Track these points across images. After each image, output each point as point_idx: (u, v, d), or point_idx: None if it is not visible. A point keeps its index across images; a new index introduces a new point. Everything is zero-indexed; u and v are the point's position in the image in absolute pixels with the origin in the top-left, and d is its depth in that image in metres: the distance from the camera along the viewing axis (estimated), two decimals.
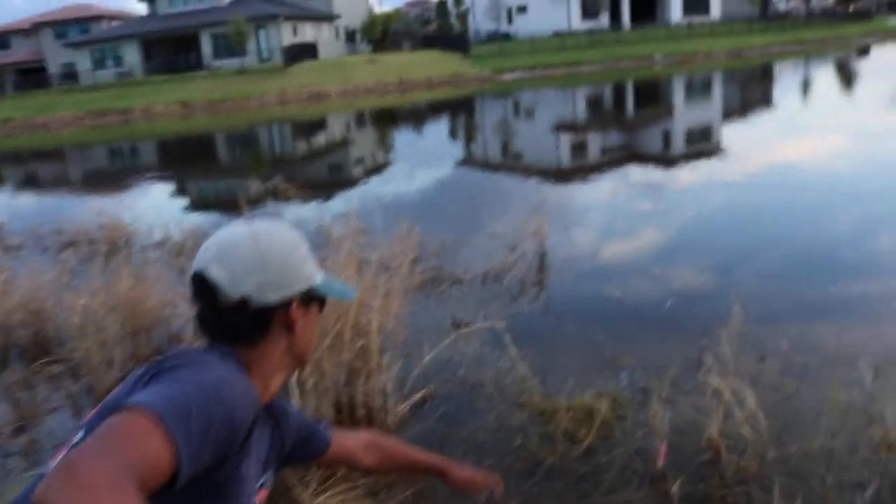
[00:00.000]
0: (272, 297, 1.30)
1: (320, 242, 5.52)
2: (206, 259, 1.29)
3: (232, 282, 1.27)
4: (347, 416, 4.15)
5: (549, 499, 3.36)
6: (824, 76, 30.63)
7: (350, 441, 1.78)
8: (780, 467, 3.38)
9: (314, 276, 1.39)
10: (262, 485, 1.38)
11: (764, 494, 3.20)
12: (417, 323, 5.21)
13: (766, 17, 62.95)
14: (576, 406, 3.90)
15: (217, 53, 50.26)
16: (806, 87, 26.31)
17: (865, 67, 33.41)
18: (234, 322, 1.29)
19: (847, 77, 28.70)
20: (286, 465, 1.63)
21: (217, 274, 1.28)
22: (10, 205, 14.92)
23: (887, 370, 4.22)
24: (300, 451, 1.62)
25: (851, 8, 66.76)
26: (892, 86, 22.59)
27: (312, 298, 1.39)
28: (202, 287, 1.29)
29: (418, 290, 6.10)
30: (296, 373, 3.93)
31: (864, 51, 42.12)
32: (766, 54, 44.69)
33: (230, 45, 47.53)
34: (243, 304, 1.27)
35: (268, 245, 1.31)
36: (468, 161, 15.57)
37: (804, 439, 3.56)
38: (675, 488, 3.25)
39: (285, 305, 1.33)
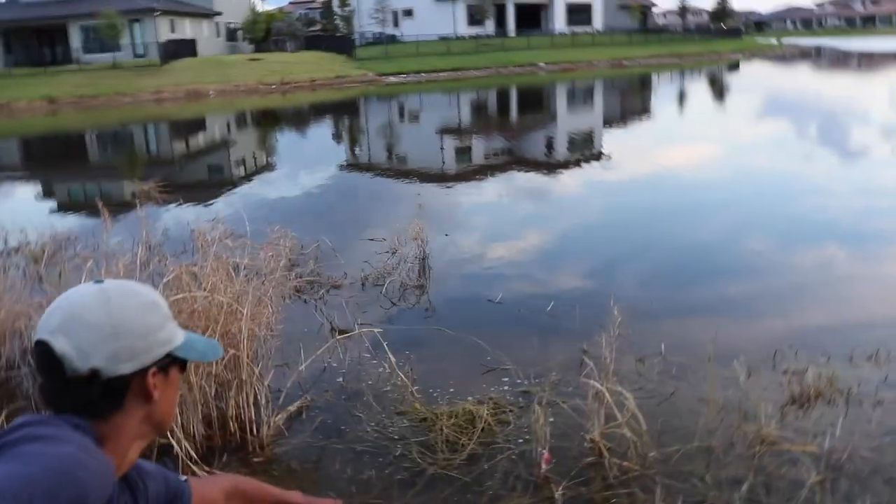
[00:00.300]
0: (126, 367, 1.17)
1: (190, 248, 5.24)
2: (50, 327, 1.16)
3: (80, 354, 1.14)
4: (219, 430, 3.90)
5: None
6: (699, 88, 32.07)
7: (212, 491, 1.62)
8: (661, 467, 3.37)
9: (173, 338, 1.26)
10: None
11: (646, 495, 3.18)
12: (294, 330, 4.99)
13: (646, 30, 65.51)
14: (457, 413, 3.79)
15: (87, 47, 47.77)
16: (682, 98, 27.44)
17: (736, 81, 35.18)
18: (84, 395, 1.16)
19: (720, 90, 30.15)
20: None
21: (62, 345, 1.14)
22: None
23: (759, 368, 4.33)
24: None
25: (724, 25, 70.38)
26: (759, 99, 23.85)
27: (172, 363, 1.26)
28: (46, 358, 1.15)
29: (295, 295, 5.87)
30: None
31: (734, 66, 44.45)
32: (645, 65, 46.44)
33: (102, 39, 45.32)
34: (93, 376, 1.14)
35: (120, 310, 1.18)
36: (351, 164, 15.35)
37: (684, 439, 3.58)
38: (558, 493, 3.19)
39: (141, 374, 1.20)
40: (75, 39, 48.16)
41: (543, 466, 3.35)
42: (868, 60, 46.20)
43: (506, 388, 4.24)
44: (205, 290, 3.96)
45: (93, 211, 9.65)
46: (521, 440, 3.63)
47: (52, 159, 19.99)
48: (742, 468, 3.33)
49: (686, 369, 4.39)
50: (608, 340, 3.79)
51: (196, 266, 4.22)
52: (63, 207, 12.06)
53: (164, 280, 4.08)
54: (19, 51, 49.78)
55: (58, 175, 16.42)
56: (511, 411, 3.90)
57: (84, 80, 37.45)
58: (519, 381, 4.30)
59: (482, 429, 3.69)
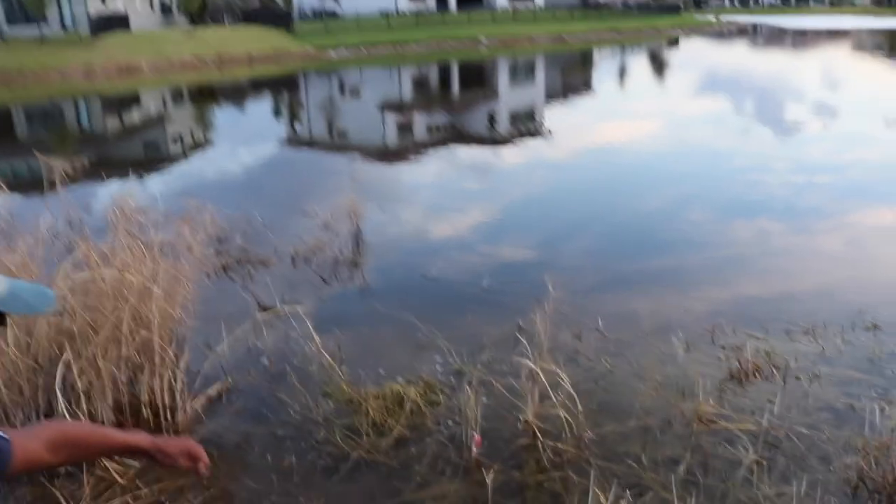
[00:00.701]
0: None
1: (103, 227, 4.95)
2: None
3: None
4: (131, 417, 3.65)
5: (356, 497, 3.05)
6: (639, 64, 32.19)
7: (33, 445, 1.42)
8: (597, 449, 3.25)
9: None
10: None
11: (580, 478, 3.05)
12: (217, 310, 4.74)
13: (587, 5, 65.74)
14: (385, 394, 3.61)
15: (11, 18, 45.79)
16: (622, 73, 27.50)
17: (675, 57, 35.45)
18: None
19: (659, 66, 30.30)
20: None
21: None
22: None
23: (697, 344, 4.24)
24: None
25: (663, 2, 71.00)
26: (697, 76, 24.04)
27: None
28: None
29: (221, 273, 5.60)
30: (60, 374, 3.39)
31: (673, 42, 44.82)
32: (586, 41, 46.54)
33: (27, 11, 43.55)
34: None
35: None
36: (291, 140, 14.95)
37: (620, 418, 3.46)
38: (489, 476, 3.03)
39: None
40: None
41: (474, 449, 3.20)
42: (802, 37, 47.04)
43: (437, 367, 4.06)
44: (115, 268, 3.69)
45: (19, 189, 9.21)
46: (451, 422, 3.47)
47: None
48: (679, 448, 3.22)
49: (623, 345, 4.27)
50: (542, 317, 3.64)
51: (106, 244, 3.93)
52: None
53: (70, 258, 3.80)
54: None
55: None
56: (442, 392, 3.73)
57: (8, 55, 35.92)
58: (451, 360, 4.13)
59: (411, 410, 3.52)
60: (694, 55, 36.16)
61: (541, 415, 3.39)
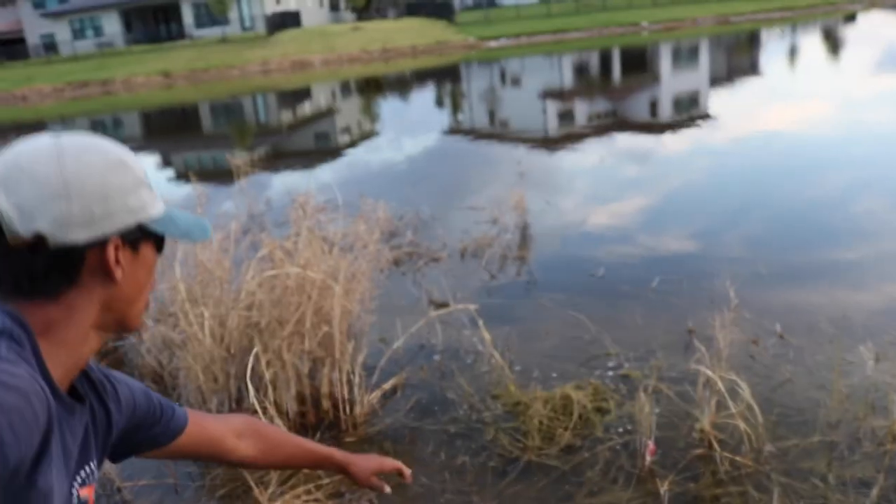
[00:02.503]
0: (80, 234, 0.95)
1: (291, 219, 5.22)
2: None
3: (21, 213, 0.92)
4: (312, 408, 3.86)
5: (528, 500, 3.08)
6: (811, 43, 30.26)
7: (217, 425, 1.42)
8: (777, 463, 3.10)
9: (146, 208, 1.03)
10: (83, 482, 1.05)
11: (761, 494, 2.93)
12: (391, 304, 4.92)
13: None
14: (554, 398, 3.61)
15: (199, 22, 49.35)
16: (793, 53, 25.94)
17: (852, 34, 33.04)
18: (27, 267, 0.94)
19: (833, 43, 28.35)
20: (124, 455, 1.27)
21: (0, 203, 0.93)
22: None
23: (889, 353, 3.96)
24: (142, 435, 1.26)
25: None
26: (876, 52, 22.28)
27: (144, 237, 1.04)
28: None
29: (392, 268, 5.79)
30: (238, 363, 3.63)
31: (850, 17, 41.73)
32: (753, 21, 44.22)
33: (212, 14, 46.64)
34: (38, 243, 0.93)
35: (76, 165, 0.96)
36: (453, 130, 15.20)
37: (803, 432, 3.29)
38: (664, 487, 2.98)
39: (100, 245, 0.98)
40: (188, 16, 49.83)
41: (648, 458, 3.14)
42: None
43: (606, 371, 4.01)
44: (298, 265, 3.90)
45: (206, 179, 9.91)
46: (622, 428, 3.43)
47: (168, 131, 20.71)
48: (870, 468, 3.02)
49: (804, 352, 4.05)
50: (721, 322, 3.52)
51: (290, 242, 4.16)
52: (179, 176, 12.42)
53: (258, 255, 4.05)
54: (138, 29, 51.96)
55: (174, 145, 17.00)
56: (612, 397, 3.69)
57: (195, 55, 38.68)
58: (621, 363, 4.07)
59: (580, 415, 3.50)
60: (873, 30, 33.51)
61: (717, 424, 3.28)
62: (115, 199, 0.98)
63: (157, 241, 1.08)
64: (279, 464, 1.58)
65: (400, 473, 1.67)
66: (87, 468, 1.06)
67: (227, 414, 1.55)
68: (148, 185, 1.05)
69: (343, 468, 1.60)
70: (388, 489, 1.66)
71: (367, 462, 1.62)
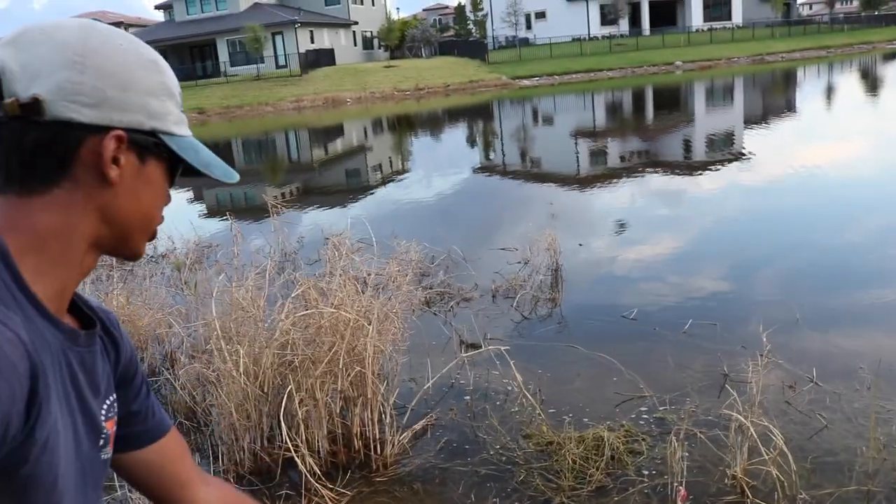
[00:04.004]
0: (83, 113, 0.83)
1: (324, 257, 5.29)
2: (6, 38, 0.85)
3: (24, 71, 0.82)
4: (343, 447, 3.88)
5: None
6: (848, 82, 30.12)
7: (191, 460, 1.18)
8: None
9: (167, 119, 0.92)
10: (106, 415, 0.95)
11: None
12: (422, 344, 4.94)
13: (789, 22, 62.36)
14: (586, 438, 3.60)
15: (234, 60, 50.39)
16: (829, 93, 25.85)
17: (890, 73, 32.83)
18: (16, 142, 0.82)
19: (872, 83, 28.19)
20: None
21: (6, 56, 0.82)
22: None
23: None
24: (130, 404, 1.07)
25: (877, 12, 65.86)
26: None
27: (155, 151, 0.92)
28: None
29: (424, 308, 5.82)
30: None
31: (889, 56, 41.48)
32: (789, 60, 44.19)
33: (247, 52, 47.61)
34: (32, 107, 0.81)
35: (102, 43, 0.86)
36: (485, 168, 15.31)
37: (838, 481, 3.24)
38: None
39: (101, 134, 0.85)
40: (223, 53, 50.93)
41: (680, 502, 3.12)
42: None
43: (640, 413, 4.00)
44: (332, 305, 3.95)
45: (239, 216, 10.06)
46: (653, 472, 3.40)
47: None
48: None
49: (840, 398, 4.00)
50: (754, 366, 3.50)
51: (324, 281, 4.22)
52: (212, 213, 12.62)
53: (293, 294, 4.11)
54: (175, 66, 52.95)
55: (206, 182, 17.24)
56: (644, 440, 3.67)
57: (230, 92, 39.42)
58: (654, 406, 4.06)
59: (612, 457, 3.49)
60: None
61: (750, 471, 3.25)
62: (134, 93, 0.88)
63: (171, 165, 0.95)
64: None
65: None
66: (109, 400, 0.97)
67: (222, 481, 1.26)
68: (178, 101, 0.95)
69: None
70: None
71: None
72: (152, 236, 0.98)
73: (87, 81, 0.83)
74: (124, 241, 0.93)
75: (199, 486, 1.16)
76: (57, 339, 0.85)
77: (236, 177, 1.01)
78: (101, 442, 0.94)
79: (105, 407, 0.95)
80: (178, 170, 0.97)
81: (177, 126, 0.94)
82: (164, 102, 0.92)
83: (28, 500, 0.78)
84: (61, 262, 0.86)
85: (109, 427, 0.96)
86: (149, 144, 0.90)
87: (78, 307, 0.97)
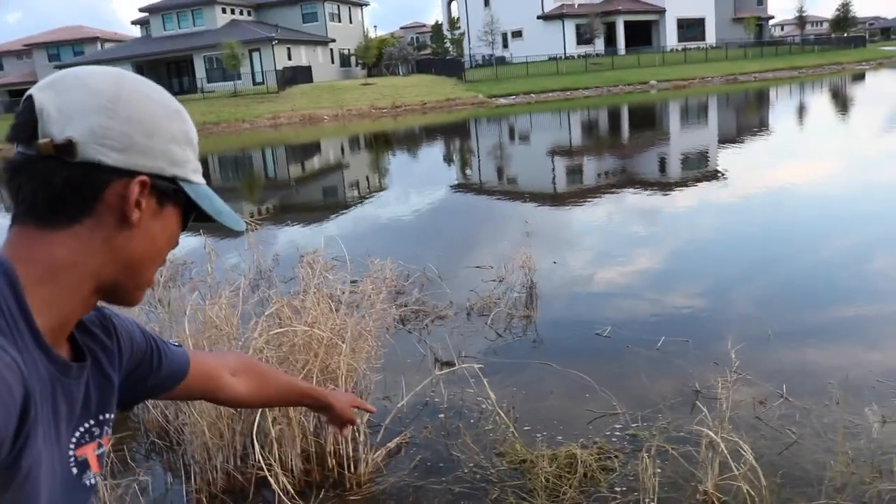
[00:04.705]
0: (111, 156, 0.89)
1: (298, 274, 5.28)
2: (44, 83, 0.91)
3: (60, 114, 0.88)
4: (317, 466, 3.86)
5: None
6: (819, 102, 30.61)
7: (214, 361, 1.39)
8: None
9: (187, 167, 0.98)
10: (79, 442, 0.98)
11: None
12: (396, 362, 4.94)
13: (762, 42, 63.36)
14: (559, 456, 3.62)
15: (211, 76, 50.27)
16: (801, 112, 26.26)
17: (860, 94, 33.43)
18: (47, 179, 0.87)
19: (842, 103, 28.67)
20: (133, 402, 1.22)
21: (44, 99, 0.88)
22: None
23: (895, 416, 3.95)
24: (147, 378, 1.19)
25: (846, 34, 67.10)
26: (884, 112, 22.52)
27: (173, 197, 0.98)
28: (23, 114, 0.90)
29: (399, 325, 5.82)
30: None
31: (859, 77, 42.26)
32: (762, 80, 44.85)
33: (224, 69, 47.51)
34: (66, 149, 0.87)
35: (132, 93, 0.92)
36: (461, 185, 15.37)
37: (808, 495, 3.28)
38: None
39: (126, 178, 0.91)
40: (200, 70, 50.80)
41: None
42: None
43: (613, 430, 4.02)
44: (305, 323, 3.95)
45: (213, 233, 10.00)
46: (626, 489, 3.42)
47: None
48: None
49: (810, 413, 4.05)
50: (724, 383, 3.54)
51: (297, 299, 4.21)
52: (188, 229, 12.51)
53: (266, 312, 4.10)
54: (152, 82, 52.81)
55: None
56: (616, 457, 3.69)
57: (207, 108, 39.27)
58: (626, 423, 4.08)
59: (584, 474, 3.50)
60: (882, 90, 33.90)
61: (721, 486, 3.28)
62: (159, 141, 0.94)
63: (185, 211, 1.02)
64: (268, 401, 1.60)
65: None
66: (84, 426, 1.00)
67: (223, 352, 1.55)
68: (196, 151, 1.01)
69: (325, 401, 1.67)
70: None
71: (344, 396, 1.74)
72: (151, 283, 1.03)
73: (116, 127, 0.90)
74: (129, 280, 0.97)
75: (225, 372, 1.40)
76: (48, 372, 0.88)
77: (243, 225, 1.08)
78: (76, 470, 0.97)
79: (78, 434, 0.98)
80: (192, 215, 1.03)
81: (194, 174, 1.01)
82: (185, 151, 0.99)
83: None
84: (69, 295, 0.91)
85: (83, 452, 0.99)
86: (168, 190, 0.97)
87: (75, 337, 1.01)
